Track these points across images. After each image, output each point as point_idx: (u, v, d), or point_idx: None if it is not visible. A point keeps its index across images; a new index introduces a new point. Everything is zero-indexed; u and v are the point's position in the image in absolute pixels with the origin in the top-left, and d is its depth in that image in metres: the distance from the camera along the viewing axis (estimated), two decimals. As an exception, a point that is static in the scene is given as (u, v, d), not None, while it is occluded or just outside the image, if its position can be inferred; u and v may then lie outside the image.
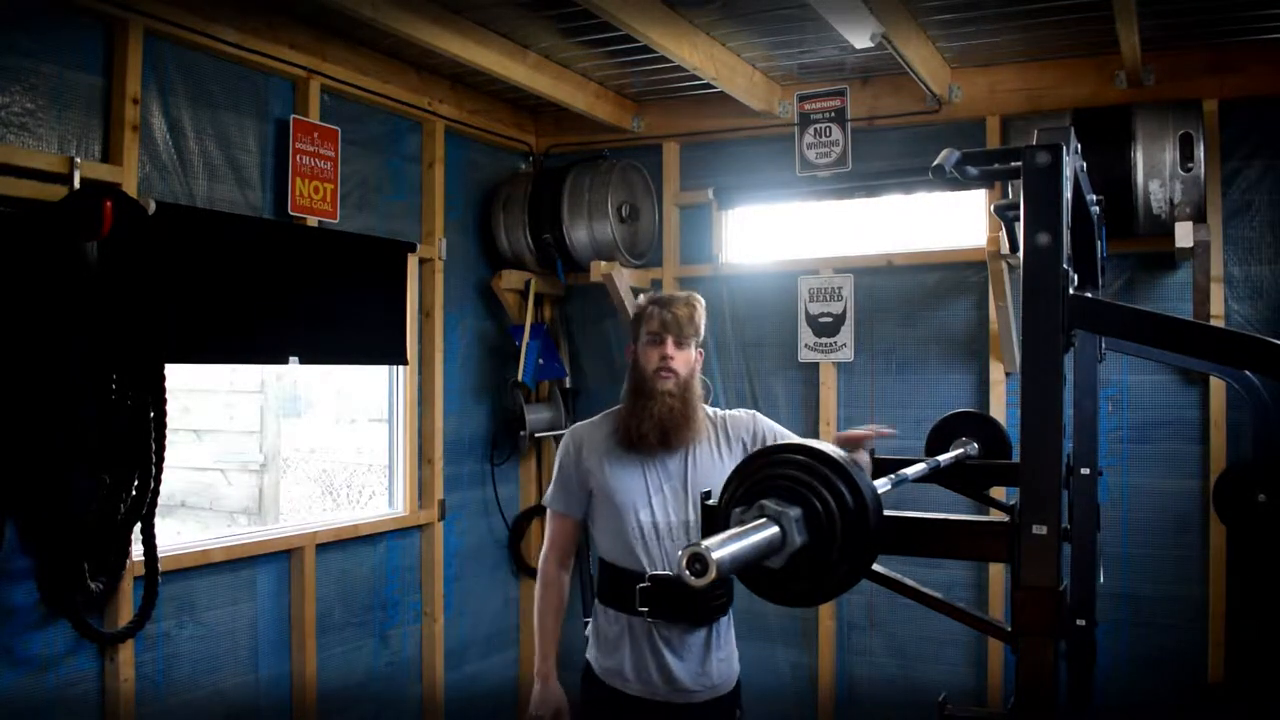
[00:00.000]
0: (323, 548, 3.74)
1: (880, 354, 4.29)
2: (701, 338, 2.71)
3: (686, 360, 2.64)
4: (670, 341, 2.61)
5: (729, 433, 2.70)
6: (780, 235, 4.57)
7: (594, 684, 2.66)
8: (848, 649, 4.30)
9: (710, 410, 2.73)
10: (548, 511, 2.76)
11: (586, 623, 2.80)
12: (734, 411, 2.77)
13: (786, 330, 4.41)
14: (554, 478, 2.72)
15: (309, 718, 3.64)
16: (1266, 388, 2.95)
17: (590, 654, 2.70)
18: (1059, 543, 1.24)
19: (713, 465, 2.63)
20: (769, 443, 2.67)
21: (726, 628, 2.69)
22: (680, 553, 1.07)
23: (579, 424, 2.77)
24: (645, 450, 2.61)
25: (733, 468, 2.60)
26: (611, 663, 2.62)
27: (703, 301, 2.71)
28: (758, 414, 2.76)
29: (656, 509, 2.58)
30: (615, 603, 2.62)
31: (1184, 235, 3.54)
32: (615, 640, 2.62)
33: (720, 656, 2.65)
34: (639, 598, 2.52)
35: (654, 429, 2.57)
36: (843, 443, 2.52)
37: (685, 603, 2.53)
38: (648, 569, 2.55)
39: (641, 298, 2.77)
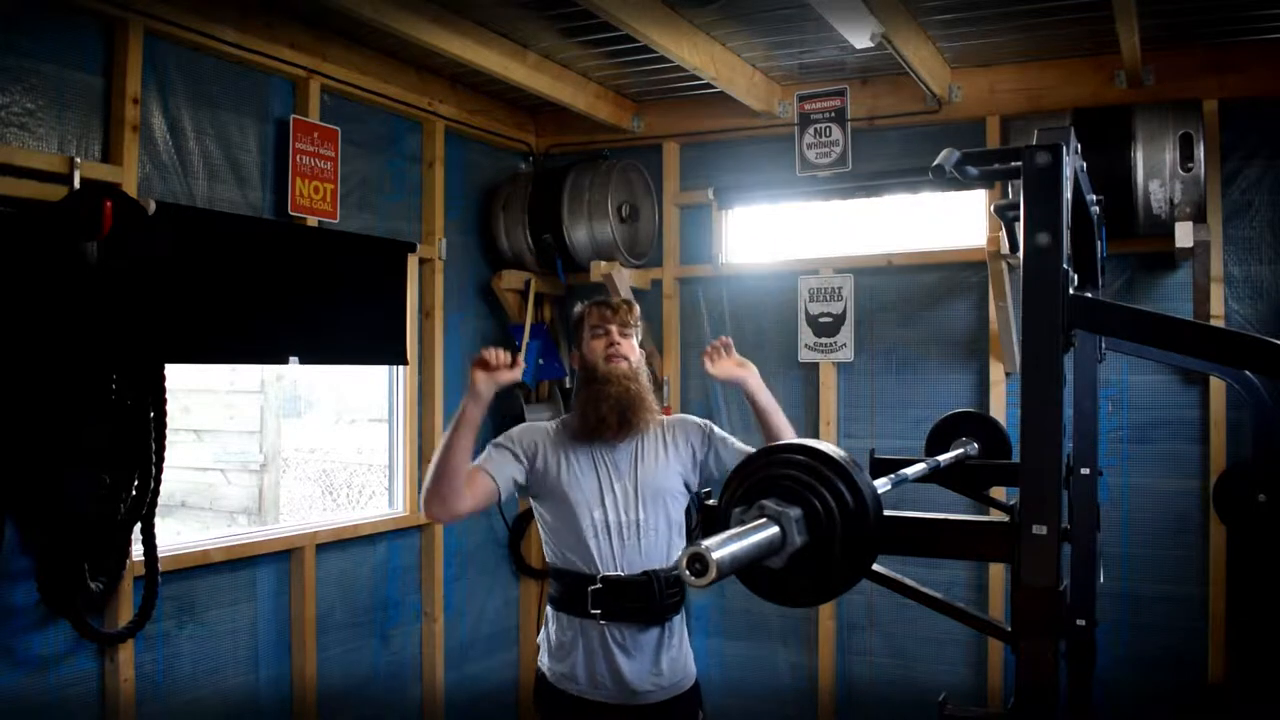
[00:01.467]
0: (323, 548, 3.74)
1: (880, 354, 4.29)
2: (640, 338, 2.76)
3: (633, 348, 2.68)
4: (615, 330, 2.66)
5: (676, 435, 2.70)
6: (780, 235, 4.57)
7: (548, 691, 2.62)
8: (848, 649, 4.30)
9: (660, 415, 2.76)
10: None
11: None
12: (686, 416, 2.80)
13: (786, 330, 4.41)
14: (488, 450, 2.62)
15: (309, 718, 3.64)
16: (1266, 388, 2.95)
17: (542, 661, 2.66)
18: (1059, 543, 1.24)
19: (658, 463, 2.63)
20: (722, 453, 2.66)
21: (679, 625, 2.65)
22: (680, 553, 1.07)
23: (520, 425, 2.74)
24: (601, 440, 2.60)
25: (678, 468, 2.55)
26: (564, 668, 2.58)
27: (637, 306, 2.80)
28: (713, 424, 2.77)
29: (609, 507, 2.56)
30: (567, 607, 2.58)
31: (1184, 235, 3.54)
32: (568, 645, 2.58)
33: (672, 655, 2.61)
34: (590, 599, 2.51)
35: (613, 410, 2.57)
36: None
37: (638, 601, 2.52)
38: (600, 568, 2.53)
39: (577, 305, 2.80)
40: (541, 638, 2.70)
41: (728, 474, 2.48)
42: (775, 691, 4.40)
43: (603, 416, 2.57)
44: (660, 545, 2.58)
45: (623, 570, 2.53)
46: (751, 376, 2.69)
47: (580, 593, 2.53)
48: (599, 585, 2.52)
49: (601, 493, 2.58)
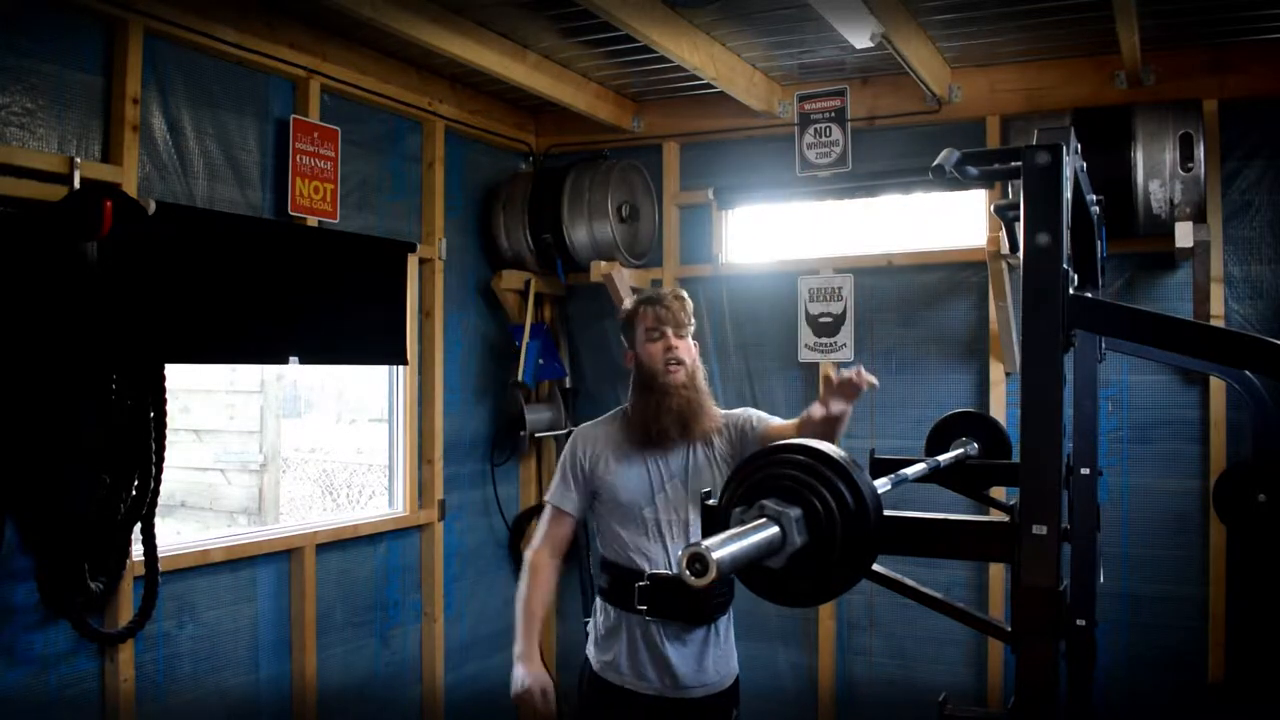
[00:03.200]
0: (323, 548, 3.74)
1: (880, 354, 4.29)
2: (694, 328, 2.73)
3: (690, 350, 2.65)
4: (671, 334, 2.62)
5: (724, 435, 2.71)
6: (780, 235, 4.57)
7: (593, 680, 2.66)
8: (848, 649, 4.30)
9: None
10: (546, 507, 2.75)
11: (587, 622, 2.80)
12: (735, 412, 2.78)
13: (786, 330, 4.41)
14: (558, 474, 2.72)
15: (309, 718, 3.64)
16: (1266, 388, 2.95)
17: (589, 650, 2.70)
18: (1059, 543, 1.24)
19: (709, 466, 2.65)
20: (746, 430, 2.67)
21: (726, 625, 2.68)
22: (680, 553, 1.07)
23: (583, 425, 2.78)
24: (658, 445, 2.61)
25: (725, 464, 2.59)
26: (609, 658, 2.62)
27: (688, 297, 2.73)
28: (753, 411, 2.76)
29: (660, 506, 2.58)
30: (616, 600, 2.62)
31: (1184, 235, 3.54)
32: (614, 636, 2.62)
33: (718, 654, 2.64)
34: (638, 596, 2.50)
35: (674, 422, 2.58)
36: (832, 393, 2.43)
37: (685, 601, 2.53)
38: (649, 567, 2.56)
39: (627, 301, 2.76)
40: (591, 626, 2.73)
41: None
42: (775, 691, 4.40)
43: (665, 428, 2.59)
44: None
45: (671, 569, 2.53)
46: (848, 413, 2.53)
47: (627, 588, 2.55)
48: (645, 583, 2.50)
49: (652, 492, 2.60)
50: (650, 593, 2.48)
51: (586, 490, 2.66)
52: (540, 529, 2.75)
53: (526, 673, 2.62)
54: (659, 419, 2.58)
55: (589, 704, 2.70)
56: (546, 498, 2.76)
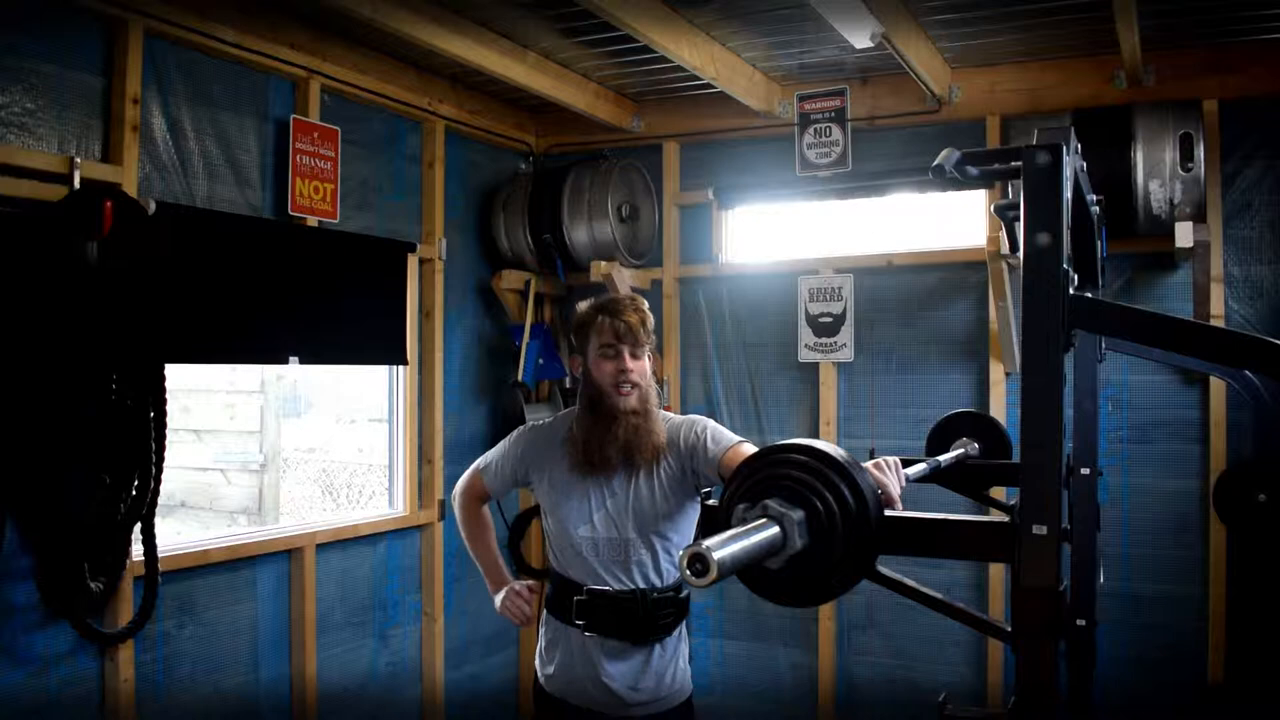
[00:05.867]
0: (323, 548, 3.74)
1: (880, 354, 4.29)
2: (652, 343, 2.53)
3: (644, 370, 2.47)
4: (627, 354, 2.44)
5: (670, 452, 2.49)
6: (780, 235, 4.57)
7: (538, 692, 2.60)
8: (848, 649, 4.30)
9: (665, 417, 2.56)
10: (471, 469, 2.71)
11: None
12: (685, 421, 2.54)
13: (786, 330, 4.41)
14: (496, 453, 2.66)
15: (309, 718, 3.64)
16: (1266, 388, 2.96)
17: (536, 662, 2.62)
18: (1059, 543, 1.24)
19: (651, 485, 2.47)
20: (697, 449, 2.45)
21: (675, 644, 2.55)
22: (681, 552, 1.07)
23: (533, 426, 2.65)
24: (601, 469, 2.47)
25: (672, 488, 2.47)
26: (550, 670, 2.55)
27: (646, 304, 2.54)
28: (708, 424, 2.52)
29: (598, 524, 2.46)
30: (556, 611, 2.54)
31: (1184, 235, 3.54)
32: (554, 648, 2.54)
33: (662, 672, 2.50)
34: (574, 610, 2.45)
35: (619, 451, 2.43)
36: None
37: (623, 618, 2.44)
38: (588, 580, 2.45)
39: (582, 305, 2.57)
40: (539, 635, 2.68)
41: (708, 477, 2.43)
42: (775, 691, 4.40)
43: (608, 458, 2.44)
44: (652, 565, 2.48)
45: (610, 586, 2.45)
46: None
47: (567, 601, 2.48)
48: (584, 597, 2.45)
49: (591, 510, 2.47)
50: (588, 607, 2.44)
51: (513, 479, 2.63)
52: (463, 480, 2.73)
53: (499, 592, 2.64)
54: (603, 448, 2.43)
55: (536, 713, 2.63)
56: (476, 463, 2.72)
